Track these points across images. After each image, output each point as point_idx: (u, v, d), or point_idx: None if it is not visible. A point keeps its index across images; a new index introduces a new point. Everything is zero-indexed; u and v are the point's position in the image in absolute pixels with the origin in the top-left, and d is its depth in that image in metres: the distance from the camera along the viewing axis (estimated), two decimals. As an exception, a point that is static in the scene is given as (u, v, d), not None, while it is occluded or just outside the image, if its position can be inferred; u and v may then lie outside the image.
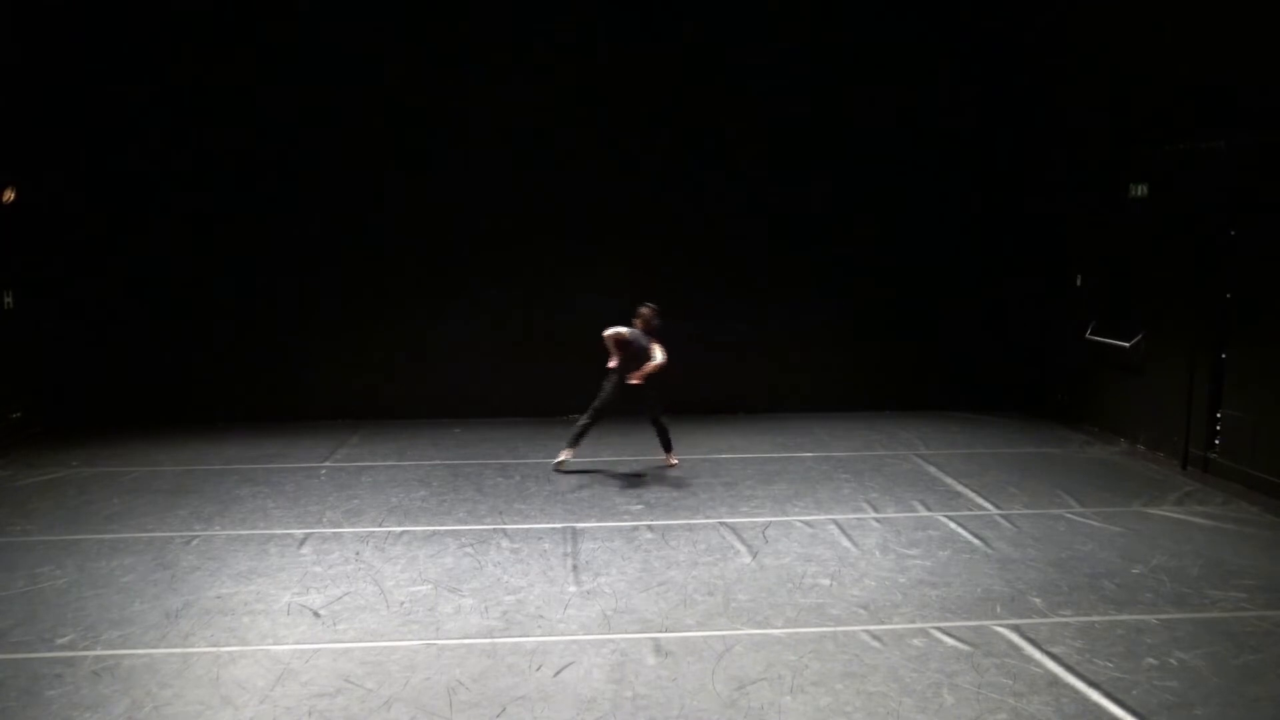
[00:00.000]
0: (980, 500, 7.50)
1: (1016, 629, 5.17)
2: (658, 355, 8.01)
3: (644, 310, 8.28)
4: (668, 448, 8.58)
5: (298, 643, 5.07)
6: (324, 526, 6.96)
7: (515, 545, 6.55)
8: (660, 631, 5.19)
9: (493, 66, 10.42)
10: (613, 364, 8.22)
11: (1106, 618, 5.32)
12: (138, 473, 8.42)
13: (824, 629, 5.20)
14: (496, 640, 5.09)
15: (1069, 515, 7.11)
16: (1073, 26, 9.94)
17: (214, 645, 5.03)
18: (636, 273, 10.75)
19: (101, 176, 10.24)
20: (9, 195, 9.20)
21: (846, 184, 10.78)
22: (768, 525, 6.94)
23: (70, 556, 6.31)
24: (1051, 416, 10.41)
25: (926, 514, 7.18)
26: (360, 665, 4.81)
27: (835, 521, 7.00)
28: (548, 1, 10.38)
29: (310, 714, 4.35)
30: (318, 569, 6.10)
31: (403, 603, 5.58)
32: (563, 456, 8.47)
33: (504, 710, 4.37)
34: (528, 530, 6.88)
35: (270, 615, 5.40)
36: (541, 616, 5.39)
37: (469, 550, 6.45)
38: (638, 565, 6.15)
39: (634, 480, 8.17)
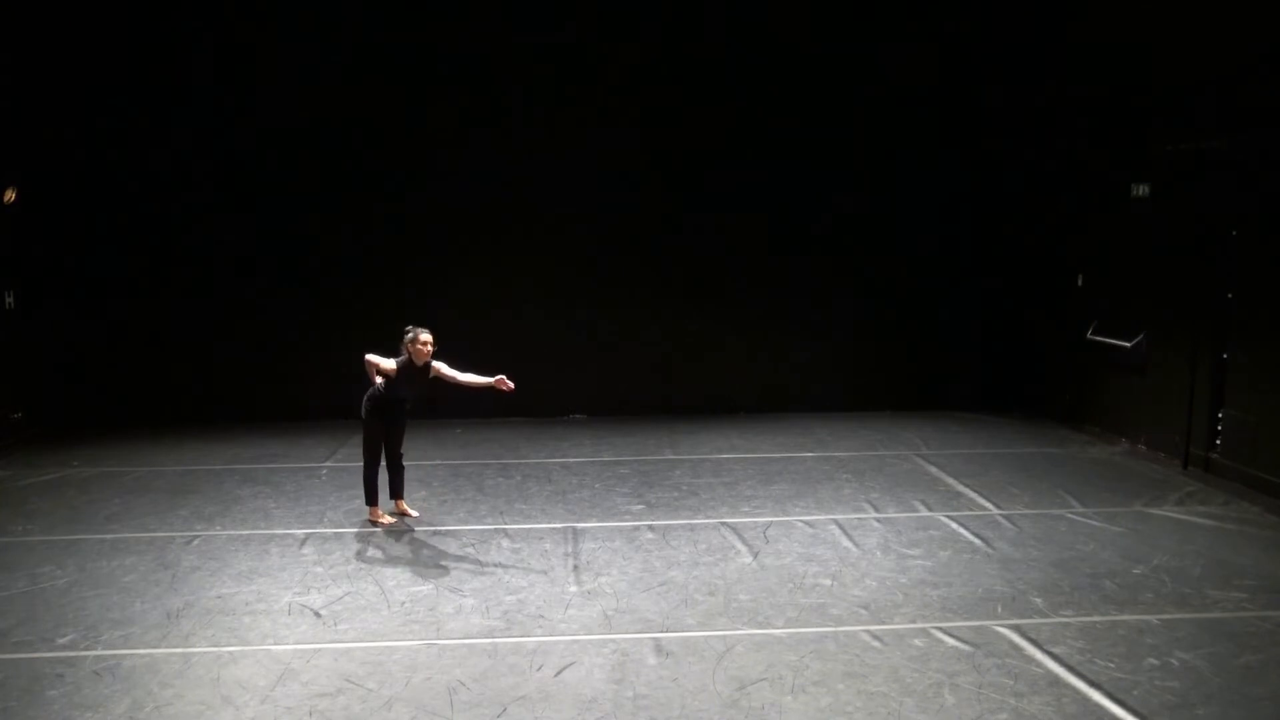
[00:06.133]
0: (981, 500, 7.49)
1: (1018, 629, 5.17)
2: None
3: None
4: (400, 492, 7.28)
5: (299, 643, 5.06)
6: (325, 526, 6.97)
7: (516, 545, 6.55)
8: (661, 631, 5.18)
9: (493, 67, 10.42)
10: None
11: (1108, 618, 5.32)
12: (138, 473, 8.42)
13: (825, 629, 5.20)
14: (497, 640, 5.09)
15: (1070, 515, 7.11)
16: (1073, 26, 9.94)
17: (215, 645, 5.03)
18: (636, 272, 10.78)
19: (101, 177, 10.25)
20: (9, 195, 9.19)
21: (846, 183, 10.78)
22: (769, 525, 6.93)
23: (71, 556, 6.31)
24: (1052, 416, 10.40)
25: (928, 514, 7.17)
26: (361, 665, 4.81)
27: (836, 521, 7.00)
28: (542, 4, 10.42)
29: (311, 714, 4.34)
30: (319, 569, 6.10)
31: (403, 603, 5.58)
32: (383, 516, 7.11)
33: (505, 710, 4.37)
34: (528, 530, 6.88)
35: (271, 615, 5.40)
36: (542, 616, 5.39)
37: (470, 550, 6.45)
38: (639, 565, 6.15)
39: (635, 480, 8.17)
